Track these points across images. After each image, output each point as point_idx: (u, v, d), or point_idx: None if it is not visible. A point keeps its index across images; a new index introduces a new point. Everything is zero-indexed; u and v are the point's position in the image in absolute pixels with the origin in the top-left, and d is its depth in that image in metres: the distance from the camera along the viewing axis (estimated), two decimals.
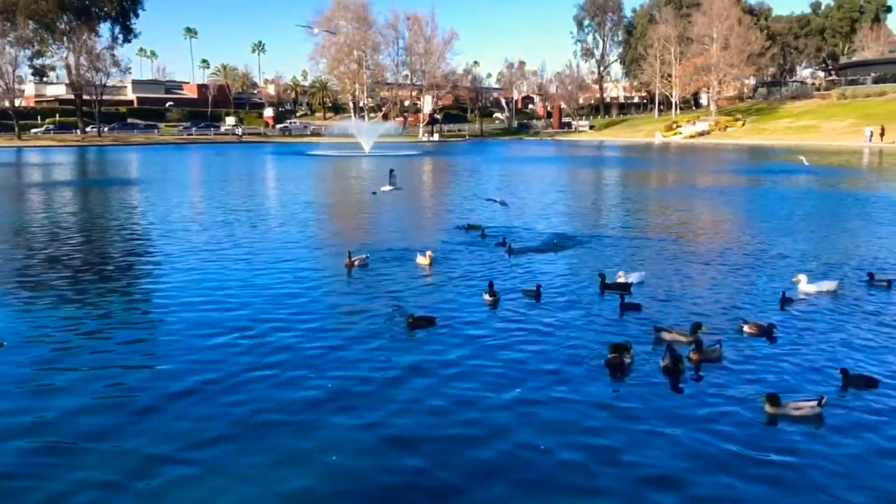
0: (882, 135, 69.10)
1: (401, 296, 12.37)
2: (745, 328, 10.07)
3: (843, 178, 38.79)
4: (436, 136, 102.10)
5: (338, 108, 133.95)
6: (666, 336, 9.74)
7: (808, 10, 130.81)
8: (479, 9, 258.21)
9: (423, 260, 14.70)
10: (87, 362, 8.97)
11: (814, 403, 7.31)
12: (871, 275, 13.27)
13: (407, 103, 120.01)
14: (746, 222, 22.50)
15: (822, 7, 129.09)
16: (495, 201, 23.38)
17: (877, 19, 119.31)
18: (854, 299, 12.10)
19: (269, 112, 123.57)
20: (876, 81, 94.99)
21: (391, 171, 29.35)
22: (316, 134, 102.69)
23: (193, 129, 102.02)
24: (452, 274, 14.11)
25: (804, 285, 12.39)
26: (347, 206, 28.68)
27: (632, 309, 11.39)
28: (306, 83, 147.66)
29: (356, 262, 14.52)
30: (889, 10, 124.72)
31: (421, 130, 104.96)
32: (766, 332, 9.98)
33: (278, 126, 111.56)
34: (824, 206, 27.05)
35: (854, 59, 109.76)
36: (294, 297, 12.36)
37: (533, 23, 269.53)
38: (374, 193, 28.43)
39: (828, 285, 12.51)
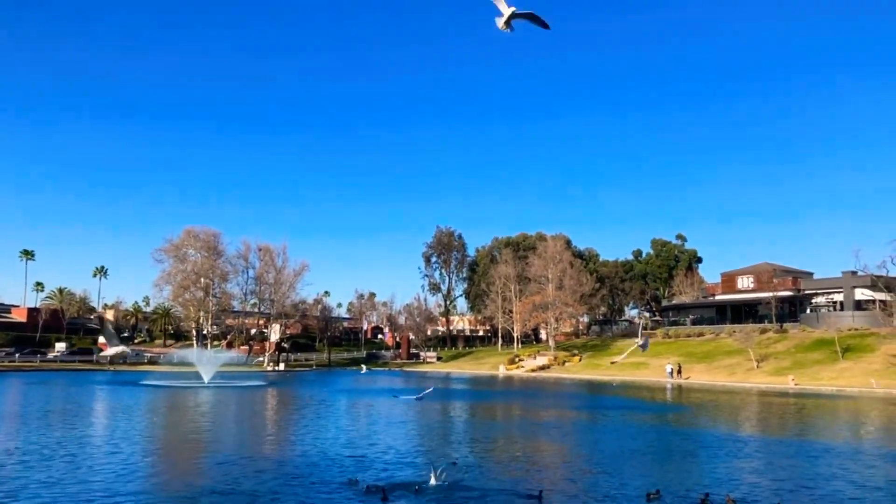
0: (679, 372, 76.04)
1: None
2: None
3: (668, 414, 40.88)
4: (282, 366, 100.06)
5: (180, 336, 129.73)
6: None
7: (630, 257, 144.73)
8: (332, 240, 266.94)
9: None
10: None
11: None
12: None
13: (254, 332, 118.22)
14: (581, 457, 22.86)
15: (643, 255, 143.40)
16: None
17: (690, 268, 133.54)
18: None
19: (103, 338, 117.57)
20: (694, 323, 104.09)
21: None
22: (153, 362, 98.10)
23: (17, 355, 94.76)
24: None
25: None
26: (165, 444, 26.77)
27: None
28: (148, 309, 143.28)
29: None
30: (700, 260, 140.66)
31: (266, 359, 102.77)
32: None
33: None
34: (650, 439, 28.11)
35: (674, 301, 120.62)
36: None
37: (384, 256, 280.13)
38: None
39: None
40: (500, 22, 14.18)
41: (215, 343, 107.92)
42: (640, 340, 32.14)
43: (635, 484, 17.67)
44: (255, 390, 58.26)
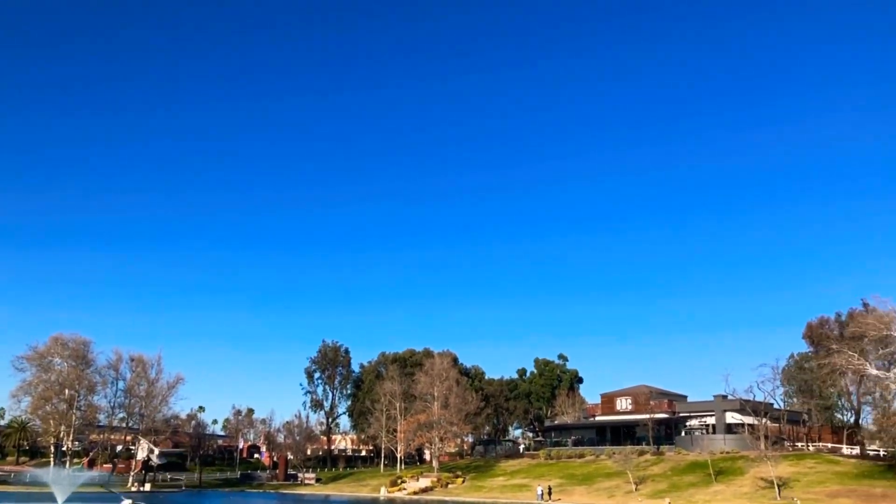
0: (550, 494, 76.12)
1: None
2: None
3: None
4: (147, 486, 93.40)
5: (36, 452, 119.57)
6: None
7: (515, 375, 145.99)
8: (210, 352, 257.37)
9: None
10: None
11: None
12: None
13: (119, 448, 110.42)
14: None
15: (527, 373, 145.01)
16: None
17: (571, 388, 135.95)
18: None
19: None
20: (575, 443, 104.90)
21: None
22: (2, 482, 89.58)
23: None
24: None
25: None
26: None
27: None
28: (2, 422, 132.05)
29: None
30: (580, 380, 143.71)
31: (131, 479, 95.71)
32: None
33: None
34: None
35: (556, 422, 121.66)
36: None
37: (265, 371, 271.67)
38: None
39: None
40: None
41: (75, 461, 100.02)
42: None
43: None
44: None
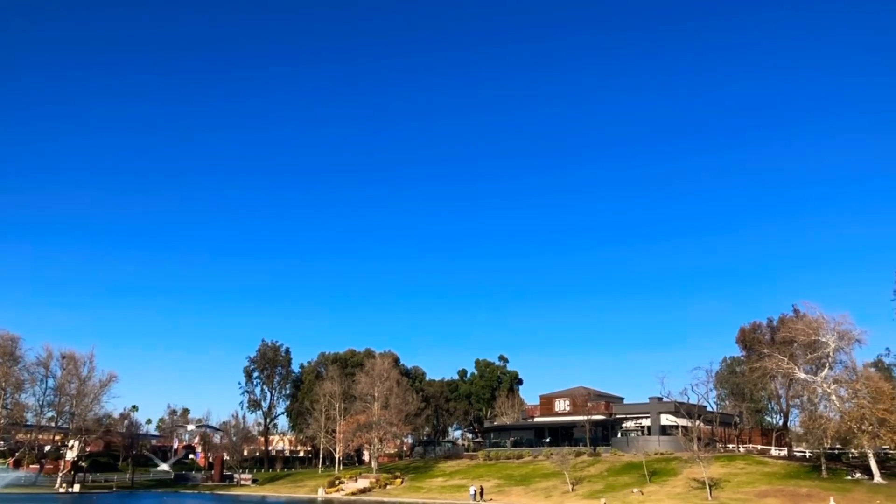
0: (482, 494, 76.91)
1: None
2: None
3: None
4: (76, 487, 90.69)
5: None
6: None
7: (455, 376, 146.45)
8: (145, 351, 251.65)
9: None
10: None
11: None
12: None
13: (48, 448, 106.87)
14: None
15: (468, 374, 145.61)
16: None
17: (511, 389, 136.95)
18: None
19: None
20: (514, 444, 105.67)
21: None
22: None
23: None
24: None
25: None
26: None
27: None
28: None
29: None
30: (520, 382, 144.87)
31: (59, 480, 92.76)
32: None
33: None
34: None
35: (495, 423, 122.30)
36: None
37: (202, 369, 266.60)
38: None
39: None
40: None
41: (0, 461, 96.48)
42: None
43: None
44: None
